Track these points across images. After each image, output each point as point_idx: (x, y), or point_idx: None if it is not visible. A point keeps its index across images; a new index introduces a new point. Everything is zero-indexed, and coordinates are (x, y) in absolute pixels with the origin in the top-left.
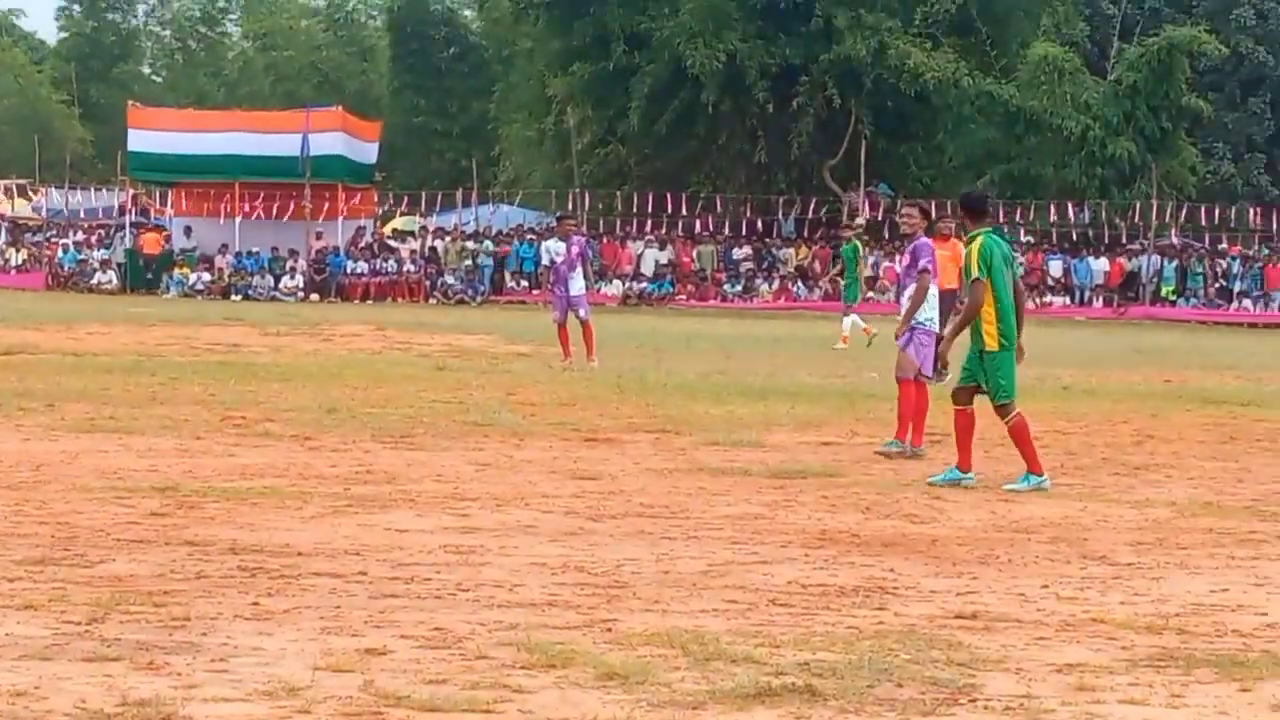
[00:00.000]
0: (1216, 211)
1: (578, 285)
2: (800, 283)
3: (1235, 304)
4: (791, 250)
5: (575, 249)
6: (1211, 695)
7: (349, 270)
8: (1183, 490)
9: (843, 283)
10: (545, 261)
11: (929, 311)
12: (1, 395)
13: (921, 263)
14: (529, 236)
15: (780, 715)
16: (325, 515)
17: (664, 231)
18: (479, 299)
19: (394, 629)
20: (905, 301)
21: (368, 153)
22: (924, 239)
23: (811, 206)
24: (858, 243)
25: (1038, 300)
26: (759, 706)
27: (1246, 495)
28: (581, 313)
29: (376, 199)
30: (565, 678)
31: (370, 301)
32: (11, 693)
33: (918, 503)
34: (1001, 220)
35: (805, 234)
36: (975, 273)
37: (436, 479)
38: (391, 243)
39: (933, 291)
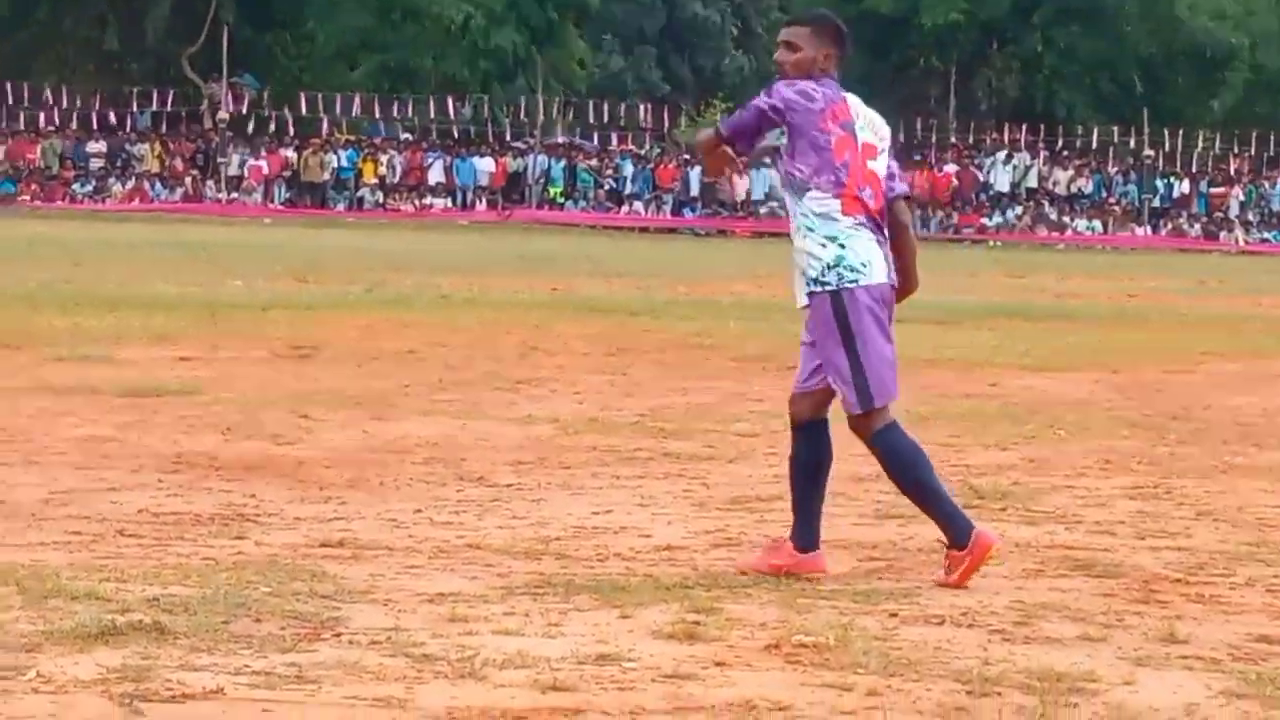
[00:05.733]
0: (606, 108)
1: None
2: (159, 183)
3: (627, 207)
4: (147, 147)
5: None
6: (590, 622)
7: None
8: (567, 406)
9: None
10: None
11: None
12: None
13: None
14: None
15: (125, 655)
16: None
17: (4, 126)
18: None
19: None
20: None
21: None
22: None
23: (170, 99)
24: None
25: (416, 202)
26: (101, 647)
27: (633, 410)
28: None
29: None
30: None
31: None
32: None
33: (284, 422)
34: (377, 116)
35: (164, 129)
36: None
37: None
38: None
39: None
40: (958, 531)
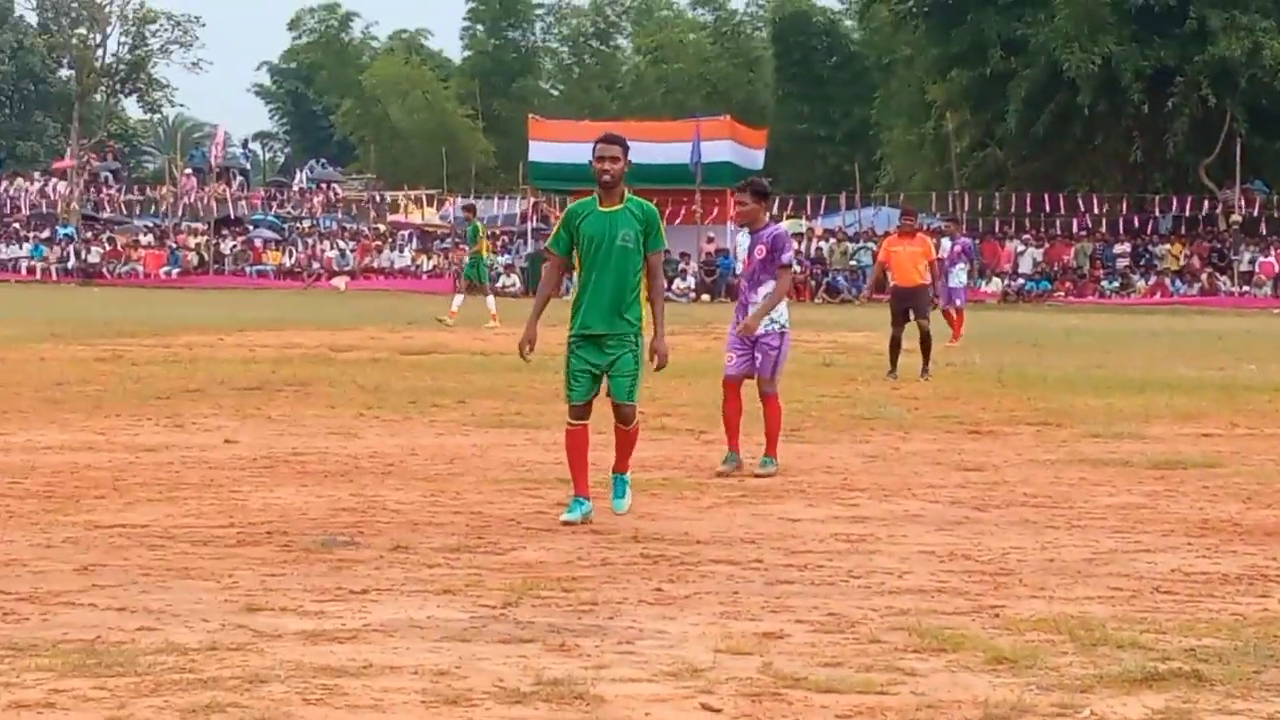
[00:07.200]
0: None
1: (956, 279)
2: (1178, 279)
3: None
4: (1168, 247)
5: (957, 247)
6: None
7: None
8: None
9: (465, 260)
10: None
11: (785, 310)
12: (417, 394)
13: (785, 257)
14: None
15: (1168, 700)
16: (721, 505)
17: (1041, 231)
18: (863, 297)
19: (790, 614)
20: (759, 299)
21: (754, 159)
22: (781, 227)
23: (1188, 204)
24: (478, 224)
25: None
26: (1146, 691)
27: None
28: (958, 301)
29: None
30: (955, 661)
31: None
32: (435, 671)
33: None
34: None
35: (1182, 231)
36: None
37: (826, 470)
38: None
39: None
40: None
